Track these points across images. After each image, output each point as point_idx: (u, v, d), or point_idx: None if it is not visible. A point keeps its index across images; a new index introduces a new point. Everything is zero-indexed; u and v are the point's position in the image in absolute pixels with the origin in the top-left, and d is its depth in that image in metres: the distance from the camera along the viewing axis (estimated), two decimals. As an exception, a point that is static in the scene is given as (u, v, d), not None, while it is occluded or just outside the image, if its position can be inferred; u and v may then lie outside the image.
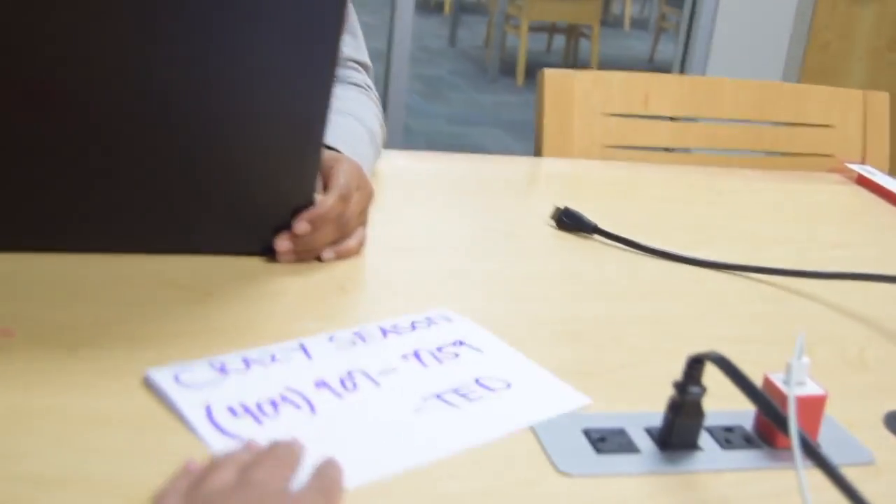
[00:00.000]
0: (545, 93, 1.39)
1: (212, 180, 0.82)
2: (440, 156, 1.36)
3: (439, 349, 0.76)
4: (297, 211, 0.85)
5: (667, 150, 1.50)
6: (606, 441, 0.66)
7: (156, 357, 0.69)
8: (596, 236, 1.06)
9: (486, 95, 5.69)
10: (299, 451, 0.59)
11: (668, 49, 7.48)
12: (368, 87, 1.16)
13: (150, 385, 0.66)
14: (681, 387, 0.64)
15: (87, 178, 0.79)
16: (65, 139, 0.77)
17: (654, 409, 0.68)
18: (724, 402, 0.68)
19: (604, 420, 0.68)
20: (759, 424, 0.69)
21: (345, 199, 0.88)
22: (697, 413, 0.66)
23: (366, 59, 1.18)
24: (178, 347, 0.71)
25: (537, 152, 1.39)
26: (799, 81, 3.57)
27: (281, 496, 0.54)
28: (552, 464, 0.63)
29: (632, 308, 0.89)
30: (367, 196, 0.94)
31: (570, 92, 1.40)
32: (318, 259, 0.89)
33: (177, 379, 0.67)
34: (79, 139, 0.77)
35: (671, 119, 1.50)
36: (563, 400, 0.71)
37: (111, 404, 0.64)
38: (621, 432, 0.67)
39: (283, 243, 0.87)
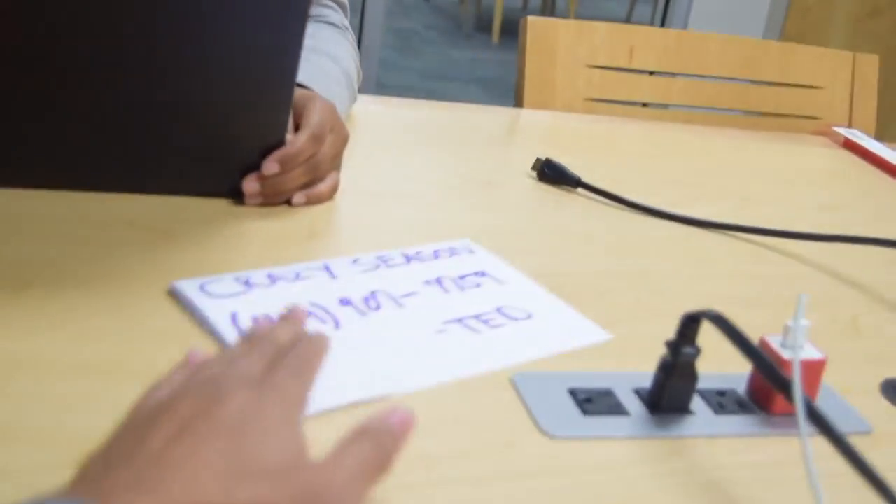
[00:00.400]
0: (528, 42, 1.34)
1: (178, 117, 0.77)
2: (416, 103, 1.30)
3: (462, 277, 0.76)
4: (267, 151, 0.80)
5: (650, 105, 1.45)
6: (593, 402, 0.62)
7: (109, 299, 0.64)
8: (579, 190, 1.01)
9: (460, 51, 5.61)
10: (325, 347, 0.53)
11: (645, 11, 7.42)
12: (345, 27, 1.10)
13: (175, 294, 0.66)
14: (674, 346, 0.60)
15: (50, 112, 0.74)
16: (29, 75, 0.71)
17: (643, 369, 0.64)
18: (713, 365, 0.64)
19: (590, 380, 0.64)
20: (753, 389, 0.65)
21: (317, 139, 0.82)
22: (691, 375, 0.62)
23: None
24: (133, 288, 0.66)
25: (518, 103, 1.35)
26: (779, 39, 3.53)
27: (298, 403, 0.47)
28: (536, 424, 0.59)
29: (617, 264, 0.85)
30: (342, 139, 0.88)
31: (553, 42, 1.35)
32: (288, 203, 0.84)
33: (202, 289, 0.67)
34: (43, 75, 0.71)
35: (655, 73, 1.46)
36: (585, 333, 0.71)
37: (57, 350, 0.59)
38: (609, 393, 0.63)
39: (250, 185, 0.81)
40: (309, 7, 0.74)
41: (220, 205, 0.82)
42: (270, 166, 0.80)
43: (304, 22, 0.75)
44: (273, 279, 0.70)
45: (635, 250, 0.89)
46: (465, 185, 0.99)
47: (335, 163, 0.87)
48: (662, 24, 3.70)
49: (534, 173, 1.03)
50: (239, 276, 0.69)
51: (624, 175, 1.08)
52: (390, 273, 0.74)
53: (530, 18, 1.34)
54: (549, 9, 6.62)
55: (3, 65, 0.70)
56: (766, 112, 1.51)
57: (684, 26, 3.57)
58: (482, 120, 1.24)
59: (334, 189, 0.87)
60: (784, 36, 3.55)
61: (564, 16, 6.21)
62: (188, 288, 0.67)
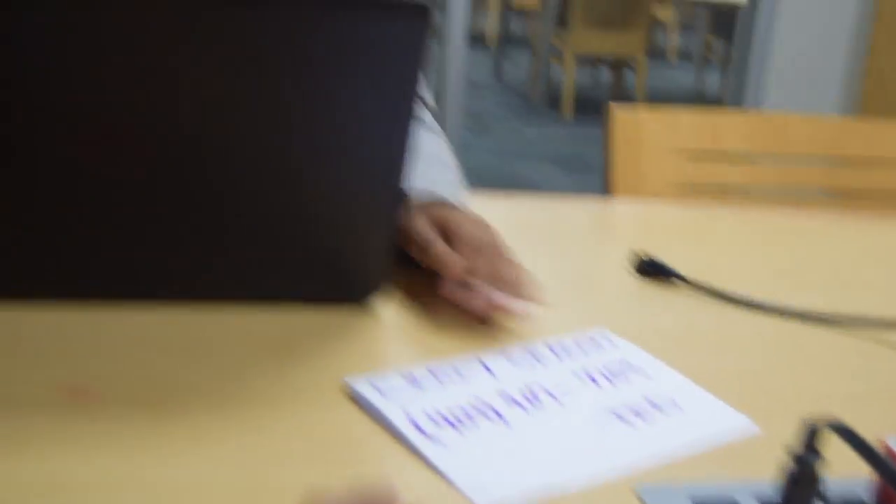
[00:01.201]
0: (614, 130, 1.36)
1: (292, 228, 0.80)
2: (507, 197, 1.32)
3: (608, 369, 0.79)
4: (380, 256, 0.82)
5: (737, 188, 1.45)
6: (719, 514, 0.62)
7: (246, 415, 0.66)
8: (679, 284, 1.02)
9: (533, 129, 5.67)
10: None
11: (714, 80, 7.44)
12: (439, 129, 1.13)
13: (350, 393, 0.70)
14: (800, 458, 0.60)
15: (170, 226, 0.77)
16: (149, 189, 0.74)
17: (763, 475, 0.64)
18: (835, 467, 0.63)
19: (713, 489, 0.64)
20: (883, 498, 0.64)
21: (475, 250, 0.85)
22: (815, 484, 0.61)
23: (430, 99, 1.16)
24: (264, 406, 0.68)
25: (608, 191, 1.36)
26: (856, 113, 3.50)
27: None
28: (663, 540, 0.59)
29: (722, 361, 0.85)
30: (493, 236, 0.89)
31: (639, 130, 1.37)
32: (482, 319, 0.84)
33: (374, 387, 0.71)
34: (163, 189, 0.75)
35: (741, 156, 1.46)
36: (731, 423, 0.73)
37: (204, 472, 0.61)
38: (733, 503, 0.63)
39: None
40: (414, 119, 0.76)
41: (338, 311, 0.84)
42: (448, 288, 0.82)
43: (410, 136, 0.77)
44: (435, 375, 0.74)
45: (740, 346, 0.89)
46: (567, 280, 1.00)
47: (505, 261, 0.87)
48: (737, 94, 3.68)
49: (632, 268, 1.03)
50: (404, 373, 0.73)
51: (721, 265, 1.08)
52: (542, 367, 0.77)
53: (617, 108, 1.36)
54: (618, 83, 6.67)
55: (131, 182, 0.74)
56: (856, 191, 1.50)
57: (758, 92, 3.56)
58: (574, 211, 1.26)
59: (523, 284, 0.86)
60: (861, 101, 3.52)
61: (633, 88, 6.25)
62: (361, 387, 0.71)
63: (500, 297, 0.83)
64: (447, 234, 0.87)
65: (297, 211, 0.79)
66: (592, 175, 4.77)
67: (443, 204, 0.92)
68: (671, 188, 1.37)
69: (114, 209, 0.75)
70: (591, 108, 6.36)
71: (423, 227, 0.87)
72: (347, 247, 0.82)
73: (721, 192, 1.41)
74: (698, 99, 7.22)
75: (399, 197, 0.81)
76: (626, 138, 1.35)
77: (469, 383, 0.73)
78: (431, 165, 0.99)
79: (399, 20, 0.71)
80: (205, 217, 0.77)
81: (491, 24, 8.51)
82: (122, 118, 0.71)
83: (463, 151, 5.01)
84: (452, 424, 0.68)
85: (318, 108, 0.73)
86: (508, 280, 0.84)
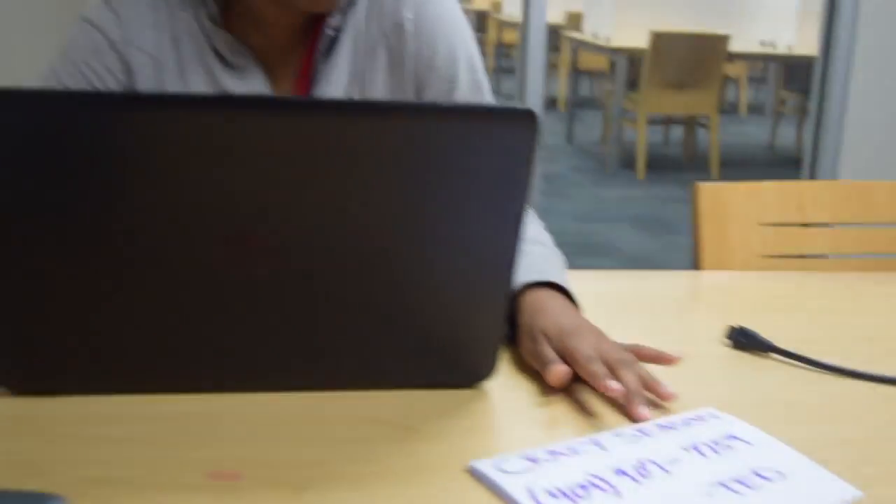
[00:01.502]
0: (700, 206, 1.41)
1: (410, 319, 0.86)
2: (598, 273, 1.38)
3: (714, 442, 0.83)
4: (490, 338, 0.89)
5: (824, 256, 1.49)
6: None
7: (378, 493, 0.72)
8: (773, 354, 1.06)
9: (608, 190, 5.72)
10: None
11: (787, 134, 7.43)
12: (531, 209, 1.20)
13: (474, 474, 0.76)
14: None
15: (300, 322, 0.84)
16: (280, 289, 0.82)
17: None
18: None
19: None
20: None
21: (600, 359, 0.91)
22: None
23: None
24: (394, 484, 0.74)
25: (696, 265, 1.41)
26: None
27: None
28: None
29: (825, 432, 0.89)
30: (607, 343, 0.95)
31: (725, 204, 1.42)
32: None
33: (497, 467, 0.76)
34: (293, 288, 0.82)
35: (826, 225, 1.50)
36: (837, 491, 0.77)
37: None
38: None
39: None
40: (524, 219, 0.83)
41: (454, 394, 0.90)
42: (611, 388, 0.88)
43: (520, 235, 0.83)
44: (554, 455, 0.78)
45: (838, 414, 0.92)
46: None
47: (626, 360, 0.92)
48: (815, 149, 3.66)
49: (728, 340, 1.08)
50: (524, 454, 0.78)
51: (811, 333, 1.12)
52: (651, 442, 0.82)
53: (701, 185, 1.41)
54: (691, 141, 6.69)
55: (264, 283, 0.81)
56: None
57: (835, 147, 3.55)
58: (664, 284, 1.31)
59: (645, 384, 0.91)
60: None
61: (706, 145, 6.27)
62: (485, 468, 0.76)
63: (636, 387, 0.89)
64: (567, 358, 0.93)
65: (415, 303, 0.86)
66: (671, 235, 4.80)
67: (553, 295, 0.99)
68: (758, 258, 1.42)
69: (250, 309, 0.83)
70: (665, 167, 6.39)
71: (546, 350, 0.94)
72: (462, 335, 0.89)
73: (807, 260, 1.45)
74: (772, 154, 7.21)
75: (508, 286, 0.87)
76: (711, 212, 1.40)
77: (584, 461, 0.78)
78: (535, 248, 1.06)
79: (508, 125, 0.78)
80: (331, 312, 0.84)
81: (560, 88, 8.62)
82: (249, 224, 0.78)
83: (541, 216, 5.06)
84: (570, 498, 0.72)
85: (434, 209, 0.80)
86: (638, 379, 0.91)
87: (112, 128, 0.73)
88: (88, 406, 0.85)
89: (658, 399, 0.90)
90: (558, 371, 0.91)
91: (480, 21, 11.60)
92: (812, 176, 3.52)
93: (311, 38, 1.21)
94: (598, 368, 0.89)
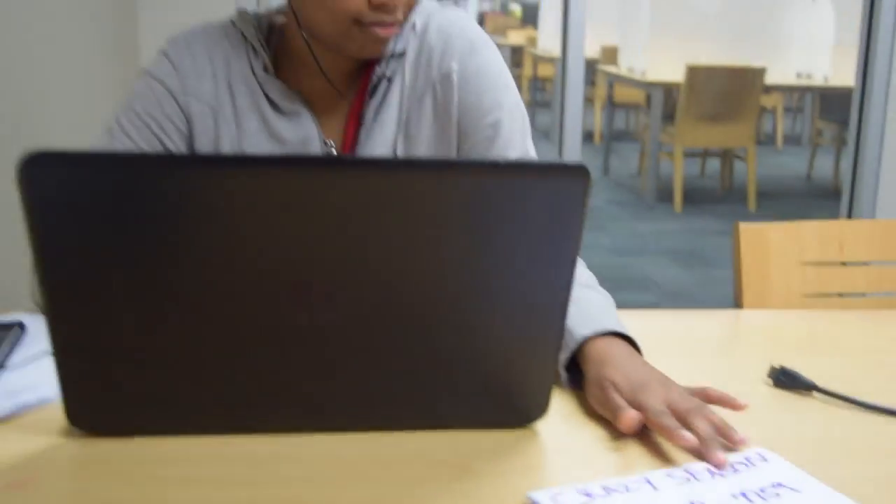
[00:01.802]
0: (741, 246, 1.44)
1: (467, 363, 0.90)
2: (640, 313, 1.41)
3: (762, 490, 0.85)
4: (540, 381, 0.93)
5: (864, 295, 1.51)
6: None
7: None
8: (815, 394, 1.08)
9: (645, 223, 5.74)
10: None
11: (824, 164, 7.42)
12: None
13: None
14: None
15: (366, 367, 0.88)
16: (334, 332, 0.86)
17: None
18: None
19: None
20: None
21: (674, 411, 0.94)
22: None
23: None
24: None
25: (737, 304, 1.44)
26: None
27: None
28: None
29: (870, 471, 0.91)
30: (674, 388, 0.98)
31: (765, 244, 1.45)
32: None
33: (554, 499, 0.80)
34: (347, 332, 0.86)
35: (867, 264, 1.52)
36: None
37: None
38: None
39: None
40: (574, 271, 0.87)
41: (509, 435, 0.94)
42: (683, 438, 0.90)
43: (573, 270, 0.87)
44: (608, 491, 0.82)
45: (883, 454, 0.95)
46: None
47: (696, 407, 0.95)
48: (853, 180, 3.66)
49: (769, 380, 1.11)
50: (579, 488, 0.82)
51: (853, 371, 1.15)
52: (701, 486, 0.85)
53: (742, 225, 1.44)
54: (728, 173, 6.70)
55: (323, 324, 0.86)
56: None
57: (875, 176, 3.54)
58: (706, 323, 1.34)
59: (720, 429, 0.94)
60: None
61: (743, 177, 6.27)
62: (543, 498, 0.80)
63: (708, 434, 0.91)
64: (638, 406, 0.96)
65: (472, 347, 0.90)
66: (708, 268, 4.81)
67: (616, 343, 1.05)
68: (798, 297, 1.44)
69: (313, 353, 0.87)
70: (702, 199, 6.40)
71: (616, 398, 0.97)
72: (515, 377, 0.93)
73: (847, 298, 1.47)
74: (810, 185, 7.19)
75: (561, 332, 0.91)
76: (752, 251, 1.44)
77: (636, 498, 0.82)
78: (589, 294, 1.12)
79: (562, 180, 0.82)
80: (391, 356, 0.88)
81: (596, 121, 8.66)
82: (314, 274, 0.83)
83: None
84: None
85: (491, 259, 0.85)
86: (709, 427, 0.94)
87: (182, 187, 0.79)
88: (159, 447, 0.89)
89: (730, 444, 0.92)
90: (630, 417, 0.93)
91: (516, 56, 11.70)
92: (851, 208, 3.53)
93: (361, 84, 1.27)
94: (670, 422, 0.91)
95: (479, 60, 1.26)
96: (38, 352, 1.08)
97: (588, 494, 0.81)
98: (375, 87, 1.25)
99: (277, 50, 1.28)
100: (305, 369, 0.88)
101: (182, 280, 0.82)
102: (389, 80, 1.25)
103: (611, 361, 1.02)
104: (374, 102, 1.25)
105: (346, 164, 0.83)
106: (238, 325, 0.84)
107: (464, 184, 0.82)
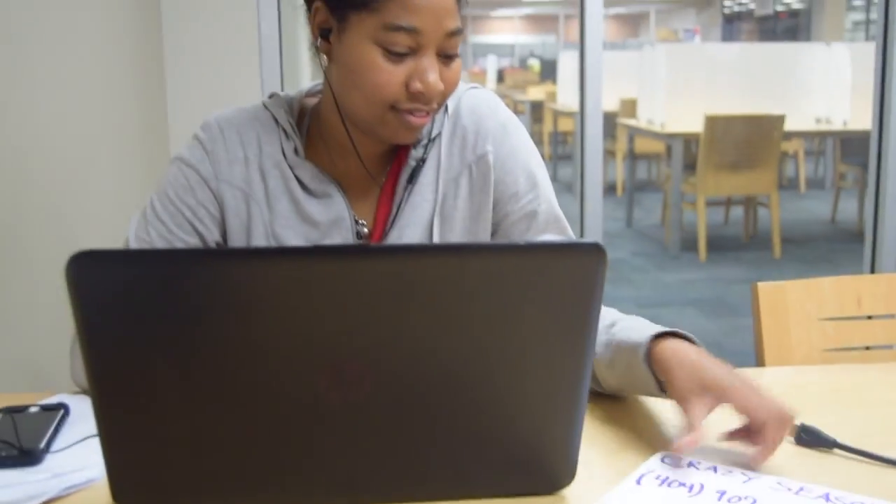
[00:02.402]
0: (760, 305, 1.47)
1: (493, 436, 0.94)
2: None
3: None
4: (562, 455, 0.96)
5: (890, 347, 1.54)
6: None
7: None
8: (837, 450, 1.11)
9: (670, 274, 5.76)
10: None
11: (848, 207, 7.42)
12: None
13: None
14: None
15: (387, 439, 0.92)
16: (367, 409, 0.90)
17: None
18: None
19: None
20: None
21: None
22: None
23: None
24: None
25: (759, 362, 1.46)
26: None
27: None
28: None
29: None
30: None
31: (783, 301, 1.48)
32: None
33: None
34: (379, 409, 0.90)
35: (892, 317, 1.55)
36: None
37: None
38: None
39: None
40: (596, 325, 0.91)
41: (528, 501, 0.97)
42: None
43: (593, 337, 0.91)
44: None
45: (903, 511, 0.97)
46: (728, 454, 1.10)
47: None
48: (875, 224, 3.66)
49: (791, 438, 1.13)
50: None
51: (876, 426, 1.17)
52: None
53: (760, 285, 1.47)
54: (751, 220, 6.72)
55: (356, 402, 0.90)
56: None
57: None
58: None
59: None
60: None
61: (767, 223, 6.28)
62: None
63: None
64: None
65: (499, 420, 0.93)
66: (735, 317, 4.81)
67: (684, 345, 1.12)
68: (819, 352, 1.47)
69: (347, 429, 0.91)
70: (726, 248, 6.42)
71: (697, 412, 1.06)
72: (542, 447, 0.96)
73: (870, 352, 1.50)
74: (834, 229, 7.19)
75: (584, 402, 0.95)
76: (771, 310, 1.47)
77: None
78: (626, 317, 1.21)
79: (579, 257, 0.87)
80: (422, 430, 0.92)
81: (618, 173, 8.72)
82: (347, 356, 0.87)
83: (604, 303, 5.11)
84: None
85: (515, 335, 0.89)
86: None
87: (220, 279, 0.84)
88: (203, 523, 0.93)
89: None
90: (691, 443, 1.02)
91: (536, 111, 11.81)
92: (874, 251, 3.53)
93: (393, 165, 1.31)
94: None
95: (512, 142, 1.33)
96: (83, 433, 1.12)
97: None
98: (411, 172, 1.30)
99: (309, 131, 1.32)
100: (339, 445, 0.91)
101: (222, 365, 0.86)
102: (423, 162, 1.30)
103: (692, 364, 1.09)
104: (408, 184, 1.30)
105: (373, 252, 0.88)
106: (275, 406, 0.89)
107: (487, 266, 0.86)
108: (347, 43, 1.18)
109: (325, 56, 1.23)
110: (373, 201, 1.32)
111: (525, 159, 1.33)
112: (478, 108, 1.33)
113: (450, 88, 1.22)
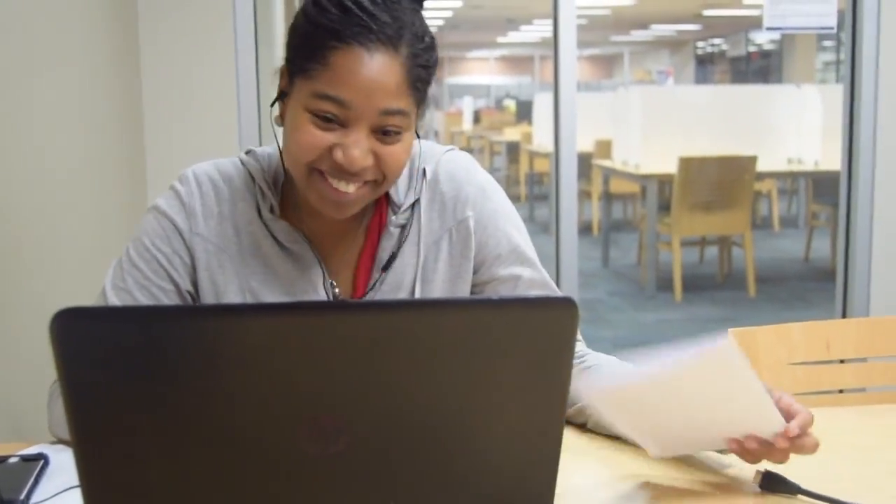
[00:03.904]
0: (731, 350, 1.50)
1: (470, 483, 0.95)
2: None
3: None
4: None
5: (863, 390, 1.57)
6: None
7: None
8: (801, 497, 1.13)
9: (647, 314, 5.80)
10: None
11: (821, 246, 7.51)
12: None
13: None
14: None
15: (367, 487, 0.94)
16: (346, 458, 0.92)
17: None
18: None
19: None
20: None
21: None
22: None
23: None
24: None
25: (730, 406, 1.49)
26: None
27: None
28: None
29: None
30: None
31: (754, 347, 1.51)
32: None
33: None
34: (358, 458, 0.92)
35: (865, 360, 1.58)
36: None
37: None
38: None
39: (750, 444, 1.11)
40: (570, 374, 0.93)
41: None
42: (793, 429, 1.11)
43: (567, 386, 0.93)
44: None
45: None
46: (693, 495, 1.12)
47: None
48: (846, 258, 3.69)
49: (755, 485, 1.15)
50: None
51: (843, 470, 1.20)
52: None
53: (731, 331, 1.50)
54: (726, 260, 6.78)
55: (335, 452, 0.91)
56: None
57: (869, 258, 3.58)
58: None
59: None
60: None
61: (742, 262, 6.34)
62: None
63: None
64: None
65: (475, 467, 0.95)
66: (711, 357, 4.83)
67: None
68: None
69: (329, 478, 0.92)
70: (702, 287, 6.47)
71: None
72: (518, 496, 0.98)
73: (837, 397, 1.53)
74: (808, 267, 7.27)
75: (558, 446, 0.97)
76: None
77: None
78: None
79: (551, 312, 0.89)
80: (402, 483, 0.94)
81: (594, 212, 8.79)
82: (325, 408, 0.89)
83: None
84: None
85: (490, 386, 0.91)
86: None
87: (199, 335, 0.86)
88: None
89: None
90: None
91: (512, 152, 11.90)
92: (846, 293, 3.57)
93: (371, 225, 1.33)
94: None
95: (492, 205, 1.36)
96: (64, 484, 1.13)
97: None
98: (390, 238, 1.33)
99: (284, 189, 1.35)
100: (318, 497, 0.93)
101: (202, 418, 0.88)
102: (403, 228, 1.33)
103: None
104: (388, 247, 1.32)
105: (351, 307, 0.91)
106: (254, 458, 0.90)
107: (463, 320, 0.88)
108: (290, 105, 1.22)
109: (280, 118, 1.26)
110: (351, 262, 1.34)
111: (505, 222, 1.37)
112: (456, 172, 1.36)
113: (389, 171, 1.22)
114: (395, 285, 1.32)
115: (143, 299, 1.29)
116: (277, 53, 1.12)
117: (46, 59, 2.13)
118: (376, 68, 1.16)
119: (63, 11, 2.27)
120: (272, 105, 1.28)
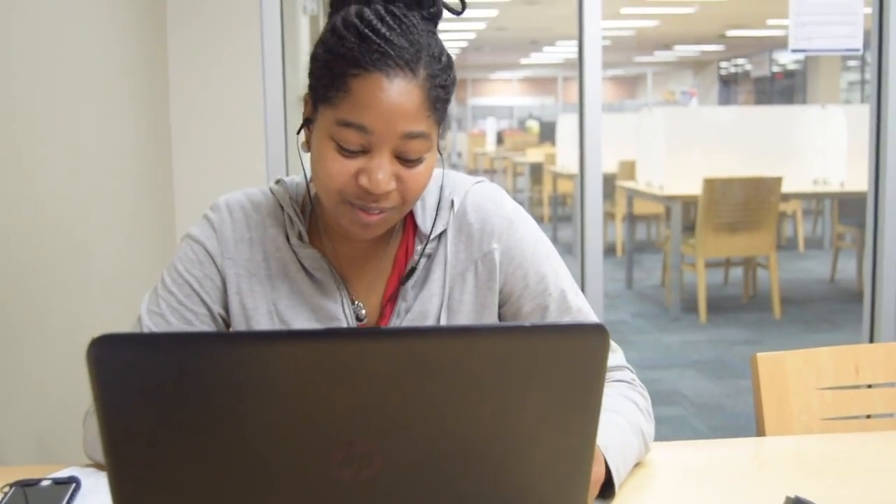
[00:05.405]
0: (760, 375, 1.49)
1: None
2: (663, 444, 1.46)
3: None
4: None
5: (892, 416, 1.56)
6: None
7: None
8: (835, 522, 1.13)
9: (671, 336, 5.78)
10: None
11: (847, 267, 7.47)
12: (633, 381, 1.38)
13: None
14: None
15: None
16: (378, 485, 0.92)
17: None
18: None
19: None
20: None
21: None
22: None
23: (624, 362, 1.41)
24: None
25: (759, 431, 1.48)
26: None
27: None
28: None
29: None
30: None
31: (783, 372, 1.50)
32: None
33: None
34: (389, 484, 0.93)
35: (893, 385, 1.57)
36: None
37: None
38: None
39: None
40: (601, 400, 0.93)
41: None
42: None
43: (598, 412, 0.93)
44: None
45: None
46: None
47: None
48: (874, 284, 3.67)
49: (790, 511, 1.15)
50: None
51: (871, 496, 1.19)
52: None
53: (759, 356, 1.50)
54: (751, 281, 6.75)
55: (366, 478, 0.92)
56: None
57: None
58: (726, 454, 1.38)
59: None
60: None
61: (767, 284, 6.31)
62: None
63: None
64: None
65: (507, 493, 0.95)
66: (736, 379, 4.82)
67: None
68: (818, 422, 1.49)
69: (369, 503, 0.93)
70: (727, 309, 6.44)
71: None
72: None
73: (867, 422, 1.52)
74: (833, 289, 7.22)
75: (589, 472, 0.97)
76: (770, 380, 1.49)
77: None
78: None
79: (582, 338, 0.90)
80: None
81: (618, 234, 8.77)
82: (363, 435, 0.90)
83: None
84: None
85: (522, 413, 0.91)
86: None
87: (234, 361, 0.87)
88: None
89: None
90: None
91: (535, 173, 11.91)
92: (873, 317, 3.55)
93: (398, 253, 1.35)
94: None
95: (519, 236, 1.36)
96: (96, 508, 1.14)
97: None
98: (417, 268, 1.34)
99: (312, 217, 1.37)
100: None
101: (235, 443, 0.89)
102: (430, 258, 1.34)
103: None
104: (414, 277, 1.34)
105: (384, 334, 0.91)
106: (287, 484, 0.91)
107: (494, 346, 0.89)
108: (315, 134, 1.24)
109: (306, 144, 1.28)
110: (378, 288, 1.35)
111: (532, 253, 1.36)
112: (483, 204, 1.36)
113: (410, 193, 1.23)
114: (421, 314, 1.33)
115: (176, 322, 1.32)
116: (302, 78, 1.14)
117: (74, 77, 2.16)
118: (396, 92, 1.18)
119: (92, 48, 2.30)
120: (298, 133, 1.30)
